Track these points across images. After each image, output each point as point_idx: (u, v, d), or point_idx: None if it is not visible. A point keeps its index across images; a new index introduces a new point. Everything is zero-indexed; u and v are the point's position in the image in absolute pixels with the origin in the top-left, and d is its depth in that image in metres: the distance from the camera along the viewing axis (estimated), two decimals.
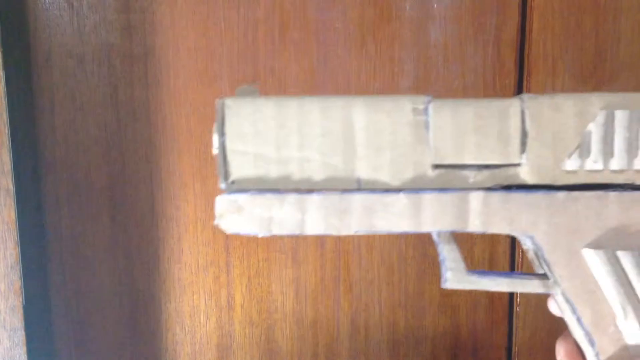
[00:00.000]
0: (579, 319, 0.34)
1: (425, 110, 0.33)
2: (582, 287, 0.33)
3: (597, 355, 0.34)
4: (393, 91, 0.63)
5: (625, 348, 0.33)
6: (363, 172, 0.34)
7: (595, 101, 0.33)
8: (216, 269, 0.66)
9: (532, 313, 0.67)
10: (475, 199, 0.33)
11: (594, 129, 0.33)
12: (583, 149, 0.33)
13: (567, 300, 0.34)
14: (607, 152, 0.33)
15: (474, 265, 0.66)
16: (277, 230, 0.34)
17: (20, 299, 0.59)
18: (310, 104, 0.33)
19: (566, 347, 0.35)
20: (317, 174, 0.34)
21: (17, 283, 0.59)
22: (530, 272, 0.35)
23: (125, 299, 0.66)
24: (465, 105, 0.33)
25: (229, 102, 0.34)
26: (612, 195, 0.33)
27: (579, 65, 0.63)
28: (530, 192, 0.33)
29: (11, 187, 0.58)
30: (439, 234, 0.34)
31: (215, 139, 0.34)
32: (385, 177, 0.34)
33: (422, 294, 0.67)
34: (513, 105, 0.33)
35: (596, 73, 0.63)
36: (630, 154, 0.33)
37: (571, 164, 0.33)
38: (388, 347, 0.68)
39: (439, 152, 0.33)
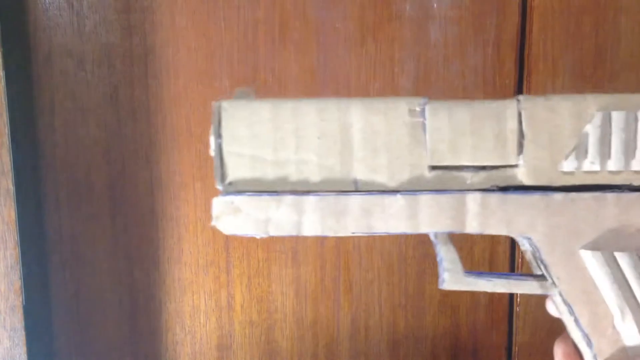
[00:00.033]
0: (576, 320, 0.34)
1: (422, 111, 0.33)
2: (580, 289, 0.33)
3: (595, 356, 0.34)
4: (393, 91, 0.63)
5: (624, 349, 0.33)
6: (360, 173, 0.34)
7: (592, 102, 0.33)
8: (216, 269, 0.66)
9: (532, 313, 0.67)
10: (473, 200, 0.33)
11: (591, 130, 0.32)
12: (580, 150, 0.33)
13: (565, 302, 0.34)
14: (604, 153, 0.33)
15: (474, 265, 0.66)
16: (274, 232, 0.34)
17: (20, 299, 0.59)
18: (306, 106, 0.33)
19: (564, 348, 0.35)
20: (314, 176, 0.34)
21: (17, 283, 0.59)
22: (528, 273, 0.35)
23: (125, 299, 0.66)
24: (461, 107, 0.33)
25: (225, 104, 0.34)
26: (609, 196, 0.33)
27: (579, 65, 0.63)
28: (528, 193, 0.33)
29: (11, 187, 0.58)
30: (436, 235, 0.34)
31: (212, 141, 0.34)
32: (382, 178, 0.34)
33: (422, 294, 0.67)
34: (510, 107, 0.33)
35: (596, 73, 0.63)
36: (627, 155, 0.33)
37: (568, 165, 0.33)
38: (388, 347, 0.68)
39: (435, 154, 0.33)
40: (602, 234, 0.33)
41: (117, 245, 0.65)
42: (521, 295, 0.66)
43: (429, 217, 0.33)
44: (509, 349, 0.68)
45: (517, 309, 0.67)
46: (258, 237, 0.34)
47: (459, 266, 0.35)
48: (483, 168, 0.33)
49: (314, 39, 0.63)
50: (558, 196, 0.33)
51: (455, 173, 0.33)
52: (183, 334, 0.67)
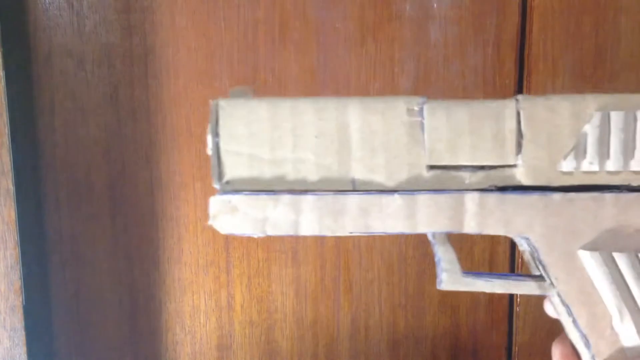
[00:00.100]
0: (575, 321, 0.34)
1: (420, 111, 0.33)
2: (578, 289, 0.33)
3: (593, 357, 0.33)
4: (393, 91, 0.63)
5: (622, 350, 0.33)
6: (358, 173, 0.33)
7: (591, 102, 0.32)
8: (216, 269, 0.66)
9: (532, 313, 0.67)
10: (471, 200, 0.33)
11: (590, 130, 0.32)
12: (579, 151, 0.33)
13: (563, 302, 0.34)
14: (603, 153, 0.32)
15: (474, 265, 0.66)
16: (271, 231, 0.34)
17: (20, 299, 0.59)
18: (304, 105, 0.33)
19: (562, 349, 0.35)
20: (312, 175, 0.34)
21: (17, 283, 0.59)
22: (526, 274, 0.35)
23: (125, 299, 0.66)
24: (460, 106, 0.33)
25: (222, 103, 0.34)
26: (608, 196, 0.33)
27: (579, 65, 0.63)
28: (526, 193, 0.33)
29: (11, 187, 0.58)
30: (434, 235, 0.34)
31: (209, 139, 0.34)
32: (380, 178, 0.33)
33: (422, 294, 0.67)
34: (508, 107, 0.33)
35: (596, 73, 0.63)
36: (626, 155, 0.32)
37: (567, 165, 0.33)
38: (388, 347, 0.68)
39: (434, 153, 0.33)
40: (601, 234, 0.33)
41: (117, 245, 0.65)
42: (521, 295, 0.66)
43: (426, 217, 0.33)
44: (509, 349, 0.68)
45: (517, 309, 0.67)
46: (255, 236, 0.34)
47: (457, 266, 0.34)
48: (481, 168, 0.33)
49: (314, 39, 0.63)
50: (556, 196, 0.33)
51: (453, 173, 0.33)
52: (183, 334, 0.67)
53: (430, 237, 0.35)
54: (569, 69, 0.63)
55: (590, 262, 0.33)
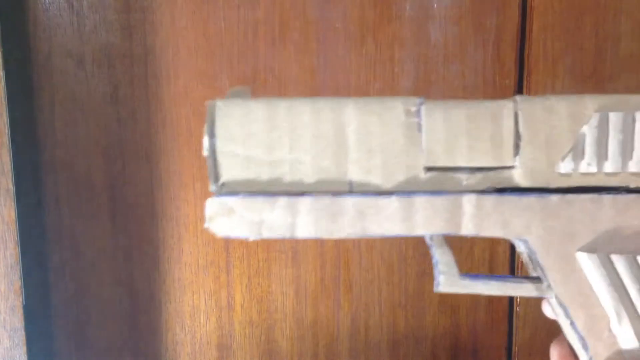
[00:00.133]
0: (572, 323, 0.33)
1: (418, 112, 0.33)
2: (576, 291, 0.33)
3: (590, 359, 0.33)
4: (393, 91, 0.63)
5: (620, 353, 0.33)
6: (355, 174, 0.33)
7: (589, 103, 0.32)
8: (216, 269, 0.66)
9: (532, 313, 0.67)
10: (468, 202, 0.33)
11: (588, 131, 0.32)
12: (577, 152, 0.32)
13: (561, 304, 0.33)
14: (601, 154, 0.32)
15: (474, 266, 0.66)
16: (267, 234, 0.33)
17: (20, 299, 0.59)
18: (300, 106, 0.33)
19: (560, 350, 0.35)
20: (309, 177, 0.33)
21: (17, 283, 0.59)
22: (524, 276, 0.35)
23: (125, 299, 0.66)
24: (457, 107, 0.32)
25: (219, 103, 0.33)
26: (606, 198, 0.32)
27: (579, 65, 0.63)
28: (524, 195, 0.33)
29: (11, 187, 0.58)
30: (432, 237, 0.34)
31: (206, 140, 0.33)
32: (377, 179, 0.33)
33: (422, 294, 0.67)
34: (506, 107, 0.32)
35: (596, 73, 0.63)
36: (625, 156, 0.32)
37: (565, 166, 0.32)
38: (388, 347, 0.68)
39: (431, 155, 0.33)
40: (599, 236, 0.33)
41: (117, 245, 0.65)
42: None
43: (424, 219, 0.33)
44: (509, 349, 0.68)
45: (517, 309, 0.67)
46: (251, 239, 0.34)
47: (454, 269, 0.34)
48: (479, 169, 0.33)
49: (314, 39, 0.63)
50: (554, 198, 0.33)
51: (450, 174, 0.33)
52: (183, 334, 0.67)
53: (427, 240, 0.34)
54: (569, 69, 0.63)
55: (588, 264, 0.33)
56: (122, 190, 0.65)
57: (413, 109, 0.33)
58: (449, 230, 0.33)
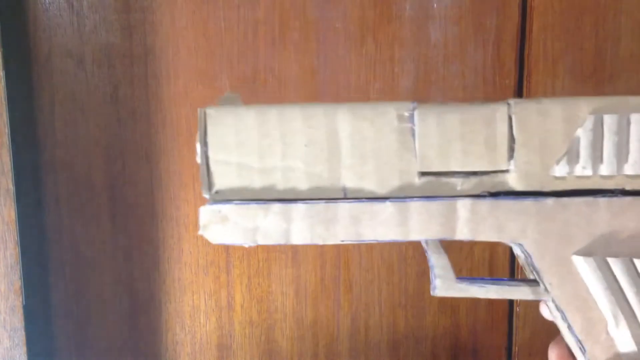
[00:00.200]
0: (569, 327, 0.33)
1: (411, 117, 0.32)
2: (573, 295, 0.33)
3: None
4: (393, 91, 0.63)
5: (617, 356, 0.33)
6: (348, 180, 0.33)
7: (584, 105, 0.32)
8: (216, 269, 0.66)
9: (532, 313, 0.67)
10: (463, 206, 0.33)
11: (583, 134, 0.32)
12: (572, 155, 0.32)
13: (558, 308, 0.33)
14: (596, 157, 0.32)
15: (474, 266, 0.66)
16: (262, 240, 0.33)
17: (20, 299, 0.59)
18: (292, 113, 0.33)
19: (558, 351, 0.35)
20: (302, 184, 0.33)
21: (17, 283, 0.59)
22: (522, 278, 0.35)
23: (125, 299, 0.66)
24: (451, 112, 0.32)
25: (210, 111, 0.33)
26: (601, 201, 0.32)
27: (579, 65, 0.63)
28: (519, 198, 0.33)
29: (11, 187, 0.58)
30: (427, 242, 0.34)
31: (198, 148, 0.33)
32: (371, 185, 0.33)
33: (422, 294, 0.67)
34: (500, 111, 0.32)
35: (596, 73, 0.63)
36: (620, 159, 0.32)
37: (560, 170, 0.32)
38: (388, 347, 0.68)
39: (425, 160, 0.33)
40: (595, 239, 0.32)
41: (117, 245, 0.65)
42: None
43: (419, 224, 0.33)
44: (509, 349, 0.68)
45: (517, 309, 0.67)
46: (246, 245, 0.34)
47: (450, 273, 0.34)
48: (473, 174, 0.33)
49: (314, 39, 0.63)
50: (549, 201, 0.32)
51: (445, 179, 0.33)
52: (183, 334, 0.67)
53: (423, 244, 0.34)
54: (569, 69, 0.63)
55: (584, 267, 0.33)
56: (122, 190, 0.65)
57: (406, 114, 0.33)
58: (444, 235, 0.33)
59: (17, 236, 0.59)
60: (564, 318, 0.33)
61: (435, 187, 0.33)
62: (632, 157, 0.32)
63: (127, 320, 0.66)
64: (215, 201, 0.34)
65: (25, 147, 0.62)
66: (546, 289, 0.33)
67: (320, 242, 0.33)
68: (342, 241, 0.33)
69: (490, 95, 0.63)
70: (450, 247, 0.34)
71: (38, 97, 0.63)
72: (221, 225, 0.33)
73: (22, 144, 0.62)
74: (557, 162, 0.32)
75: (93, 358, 0.67)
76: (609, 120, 0.32)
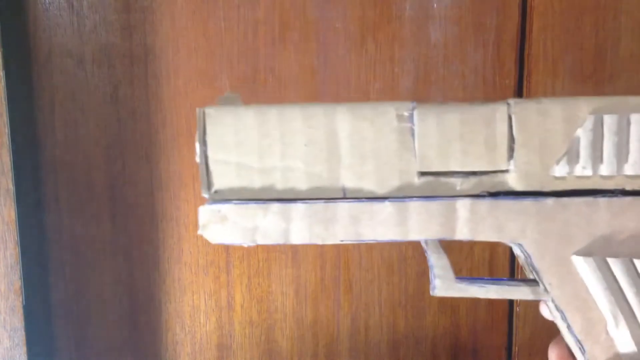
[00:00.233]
0: (569, 327, 0.33)
1: (410, 117, 0.32)
2: (573, 295, 0.33)
3: None
4: (393, 91, 0.63)
5: (617, 356, 0.33)
6: (348, 180, 0.33)
7: (584, 105, 0.32)
8: (216, 269, 0.66)
9: (532, 313, 0.67)
10: (463, 206, 0.33)
11: (583, 134, 0.32)
12: (572, 155, 0.32)
13: (557, 308, 0.33)
14: (596, 157, 0.32)
15: (474, 265, 0.66)
16: (261, 240, 0.33)
17: (20, 299, 0.59)
18: (292, 112, 0.33)
19: (558, 351, 0.35)
20: (301, 184, 0.33)
21: (17, 283, 0.59)
22: (522, 278, 0.35)
23: (125, 299, 0.66)
24: (451, 112, 0.32)
25: (209, 111, 0.33)
26: (601, 201, 0.32)
27: (579, 65, 0.63)
28: (518, 199, 0.33)
29: (11, 187, 0.58)
30: (427, 241, 0.34)
31: (198, 148, 0.33)
32: (370, 185, 0.33)
33: (422, 294, 0.67)
34: (500, 111, 0.32)
35: (596, 73, 0.63)
36: (620, 159, 0.32)
37: (560, 170, 0.32)
38: (388, 347, 0.68)
39: (424, 160, 0.33)
40: (595, 239, 0.32)
41: (117, 245, 0.65)
42: None
43: (418, 224, 0.33)
44: (509, 349, 0.68)
45: (517, 309, 0.67)
46: (246, 245, 0.34)
47: (450, 273, 0.34)
48: (473, 174, 0.33)
49: (314, 39, 0.63)
50: (549, 201, 0.32)
51: (444, 179, 0.33)
52: (183, 334, 0.67)
53: (422, 244, 0.34)
54: (569, 69, 0.63)
55: (584, 267, 0.33)
56: (122, 190, 0.65)
57: (406, 113, 0.32)
58: (444, 235, 0.33)
59: (17, 236, 0.59)
60: (564, 318, 0.33)
61: (434, 187, 0.33)
62: (632, 157, 0.32)
63: (127, 320, 0.66)
64: (214, 201, 0.34)
65: (25, 147, 0.62)
66: (546, 289, 0.33)
67: (320, 242, 0.33)
68: (342, 241, 0.33)
69: (490, 95, 0.63)
70: (450, 247, 0.34)
71: (38, 97, 0.63)
72: (220, 225, 0.33)
73: (22, 144, 0.62)
74: (557, 162, 0.32)
75: (93, 358, 0.67)
76: (608, 120, 0.32)
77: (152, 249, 0.65)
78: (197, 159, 0.34)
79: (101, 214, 0.65)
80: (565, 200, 0.32)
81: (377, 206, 0.33)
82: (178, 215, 0.65)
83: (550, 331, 0.36)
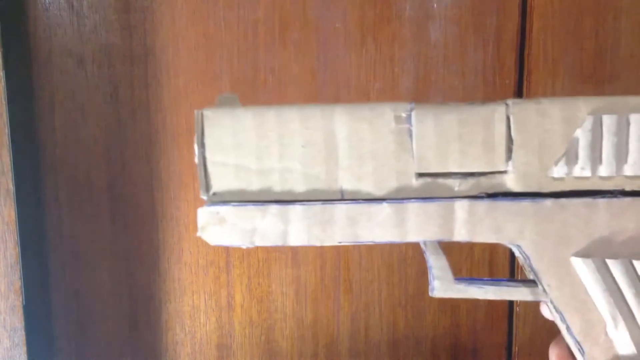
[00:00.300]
0: (568, 328, 0.33)
1: (408, 118, 0.32)
2: (571, 296, 0.33)
3: None
4: (393, 91, 0.63)
5: (616, 357, 0.33)
6: (346, 182, 0.33)
7: (583, 106, 0.32)
8: (216, 269, 0.66)
9: (532, 313, 0.67)
10: (461, 207, 0.32)
11: (582, 134, 0.32)
12: (570, 156, 0.32)
13: (557, 309, 0.33)
14: (595, 158, 0.32)
15: (474, 265, 0.66)
16: (260, 242, 0.33)
17: (20, 299, 0.59)
18: (290, 114, 0.33)
19: (558, 351, 0.35)
20: (299, 185, 0.33)
21: (17, 283, 0.59)
22: (521, 279, 0.35)
23: (125, 299, 0.66)
24: (449, 112, 0.32)
25: (207, 112, 0.33)
26: (600, 202, 0.32)
27: (579, 65, 0.63)
28: (517, 200, 0.32)
29: (11, 187, 0.58)
30: (425, 243, 0.34)
31: (196, 149, 0.33)
32: (368, 186, 0.33)
33: (422, 294, 0.67)
34: (498, 111, 0.32)
35: (596, 73, 0.63)
36: (619, 159, 0.32)
37: (558, 171, 0.32)
38: (388, 347, 0.68)
39: (422, 161, 0.32)
40: (594, 240, 0.32)
41: (117, 245, 0.65)
42: None
43: (416, 226, 0.33)
44: (509, 349, 0.68)
45: (517, 309, 0.67)
46: (244, 247, 0.34)
47: (449, 274, 0.34)
48: (471, 175, 0.33)
49: (314, 39, 0.63)
50: (548, 202, 0.32)
51: (442, 180, 0.33)
52: (183, 334, 0.67)
53: (421, 245, 0.34)
54: (569, 69, 0.63)
55: (583, 269, 0.32)
56: (122, 190, 0.65)
57: (403, 114, 0.32)
58: (442, 236, 0.33)
59: (17, 236, 0.59)
60: (563, 319, 0.33)
61: (432, 188, 0.33)
62: (631, 157, 0.32)
63: (127, 320, 0.67)
64: (213, 202, 0.34)
65: (25, 147, 0.62)
66: (545, 290, 0.33)
67: (318, 244, 0.33)
68: (340, 242, 0.33)
69: (491, 95, 0.63)
70: (450, 247, 0.34)
71: (38, 97, 0.63)
72: (219, 227, 0.33)
73: (22, 144, 0.62)
74: (556, 162, 0.32)
75: (93, 358, 0.67)
76: (608, 121, 0.31)
77: (152, 249, 0.65)
78: (196, 160, 0.34)
79: (101, 214, 0.65)
80: (563, 201, 0.32)
81: (375, 208, 0.33)
82: (178, 215, 0.65)
83: (551, 331, 0.36)
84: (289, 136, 0.33)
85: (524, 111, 0.32)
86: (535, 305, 0.36)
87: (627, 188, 0.32)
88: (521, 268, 0.66)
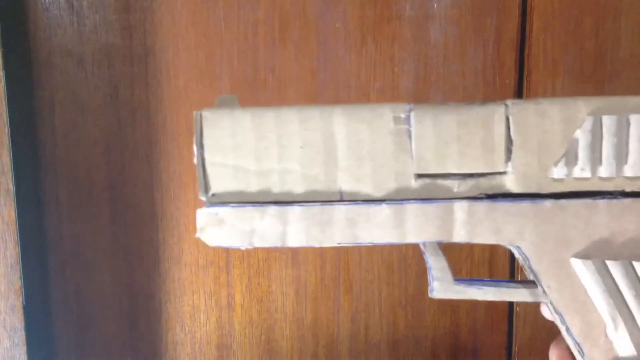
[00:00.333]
0: (568, 329, 0.33)
1: (407, 118, 0.32)
2: (571, 298, 0.33)
3: None
4: (393, 91, 0.63)
5: (617, 359, 0.33)
6: (345, 183, 0.33)
7: (582, 106, 0.31)
8: (216, 269, 0.66)
9: (532, 313, 0.67)
10: (460, 209, 0.32)
11: (581, 135, 0.31)
12: (570, 156, 0.32)
13: (556, 311, 0.33)
14: (595, 159, 0.31)
15: (474, 265, 0.66)
16: (258, 243, 0.33)
17: (20, 299, 0.59)
18: (288, 115, 0.33)
19: (558, 352, 0.35)
20: (298, 186, 0.33)
21: (17, 283, 0.59)
22: (520, 280, 0.35)
23: (125, 299, 0.66)
24: (448, 113, 0.32)
25: (206, 113, 0.33)
26: (600, 203, 0.32)
27: (579, 65, 0.63)
28: (516, 201, 0.32)
29: (11, 187, 0.58)
30: (425, 244, 0.34)
31: (195, 150, 0.33)
32: (367, 188, 0.33)
33: (422, 294, 0.67)
34: (497, 112, 0.32)
35: (596, 73, 0.63)
36: (619, 160, 0.31)
37: (558, 171, 0.32)
38: (388, 347, 0.68)
39: (421, 162, 0.32)
40: (593, 242, 0.32)
41: (117, 245, 0.65)
42: None
43: (415, 227, 0.33)
44: (509, 349, 0.68)
45: (517, 309, 0.67)
46: (243, 248, 0.34)
47: (448, 275, 0.34)
48: (470, 176, 0.32)
49: (314, 39, 0.63)
50: (547, 203, 0.32)
51: (441, 181, 0.33)
52: (183, 334, 0.67)
53: (421, 246, 0.34)
54: (569, 69, 0.63)
55: (582, 270, 0.32)
56: (122, 190, 0.65)
57: (402, 115, 0.32)
58: (441, 238, 0.33)
59: (17, 236, 0.59)
60: (563, 321, 0.33)
61: (431, 189, 0.33)
62: (631, 158, 0.31)
63: (127, 320, 0.67)
64: (212, 204, 0.34)
65: (25, 147, 0.62)
66: (544, 292, 0.33)
67: (317, 245, 0.33)
68: (339, 244, 0.33)
69: (491, 95, 0.63)
70: (450, 248, 0.34)
71: (38, 97, 0.63)
72: (218, 228, 0.33)
73: (22, 144, 0.62)
74: (555, 163, 0.32)
75: (93, 358, 0.67)
76: (608, 121, 0.31)
77: (152, 249, 0.65)
78: (195, 161, 0.34)
79: (101, 214, 0.65)
80: (563, 202, 0.32)
81: (374, 209, 0.33)
82: (178, 215, 0.65)
83: (551, 331, 0.36)
84: (287, 137, 0.33)
85: (523, 112, 0.32)
86: (536, 305, 0.36)
87: (627, 189, 0.32)
88: (521, 269, 0.66)
